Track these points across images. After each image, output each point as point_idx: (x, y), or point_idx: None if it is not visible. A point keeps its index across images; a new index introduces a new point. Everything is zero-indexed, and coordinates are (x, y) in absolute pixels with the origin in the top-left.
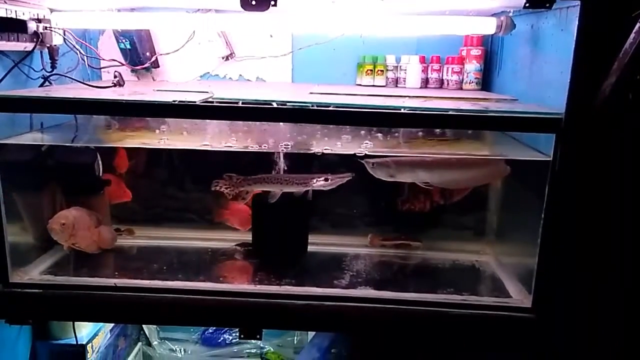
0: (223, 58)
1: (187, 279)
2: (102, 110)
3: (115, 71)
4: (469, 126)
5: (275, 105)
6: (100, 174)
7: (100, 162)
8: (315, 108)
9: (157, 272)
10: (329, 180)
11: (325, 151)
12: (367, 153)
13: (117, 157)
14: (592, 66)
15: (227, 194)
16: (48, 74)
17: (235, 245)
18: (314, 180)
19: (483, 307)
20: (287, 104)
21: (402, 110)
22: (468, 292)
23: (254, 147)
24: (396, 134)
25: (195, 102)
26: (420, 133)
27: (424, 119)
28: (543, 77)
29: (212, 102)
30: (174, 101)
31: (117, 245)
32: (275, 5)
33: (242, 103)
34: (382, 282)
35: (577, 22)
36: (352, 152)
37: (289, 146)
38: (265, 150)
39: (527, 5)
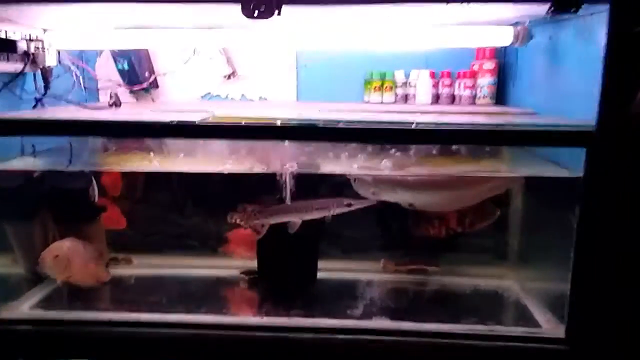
0: (225, 77)
1: (188, 311)
2: (94, 131)
3: (112, 92)
4: (492, 142)
5: (279, 123)
6: (96, 200)
7: (95, 187)
8: (324, 126)
9: (156, 304)
10: (352, 206)
11: (306, 171)
12: (349, 173)
13: (109, 179)
14: (624, 74)
15: (243, 226)
16: (40, 96)
17: (240, 273)
18: (335, 206)
19: (511, 339)
20: (293, 121)
21: (416, 127)
22: (493, 322)
23: (256, 169)
24: (410, 151)
25: (194, 121)
26: (434, 151)
27: (441, 136)
28: (564, 88)
29: (211, 121)
30: (172, 121)
31: (114, 275)
32: (279, 14)
33: (245, 122)
34: (399, 311)
35: (604, 29)
36: (341, 172)
37: (294, 167)
38: (268, 172)
39: (551, 9)
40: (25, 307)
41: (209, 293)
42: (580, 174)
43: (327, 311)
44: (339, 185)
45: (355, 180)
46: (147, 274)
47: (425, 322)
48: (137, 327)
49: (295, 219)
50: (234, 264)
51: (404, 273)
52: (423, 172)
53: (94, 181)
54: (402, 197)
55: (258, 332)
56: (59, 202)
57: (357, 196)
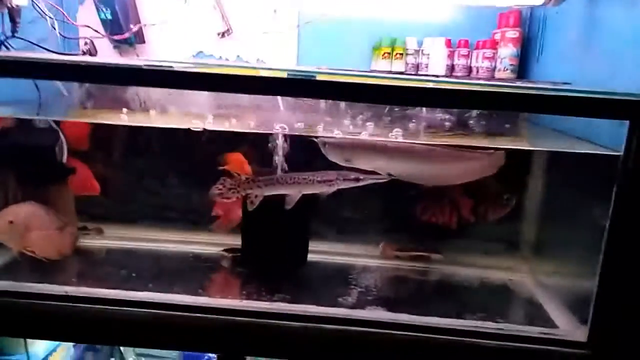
0: (219, 35)
1: (159, 290)
2: (56, 73)
3: (87, 38)
4: (524, 107)
5: (278, 74)
6: (64, 160)
7: (64, 145)
8: (327, 79)
9: (124, 280)
10: (360, 181)
11: (280, 132)
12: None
13: (74, 130)
14: None
15: (229, 197)
16: (6, 37)
17: (222, 250)
18: (341, 180)
19: (523, 339)
20: (292, 73)
21: (443, 86)
22: (503, 319)
23: (247, 129)
24: (414, 122)
25: (170, 66)
26: (448, 123)
27: (468, 97)
28: (603, 59)
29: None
30: (145, 65)
31: (81, 247)
32: None
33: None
34: (397, 302)
35: None
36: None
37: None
38: (259, 132)
39: None
40: None
41: (186, 271)
42: (619, 152)
43: (316, 298)
44: None
45: (325, 144)
46: (119, 246)
47: (426, 315)
48: (101, 305)
49: (294, 192)
50: (217, 240)
51: (404, 260)
52: (404, 139)
53: (63, 138)
54: (380, 165)
55: (235, 316)
56: (22, 160)
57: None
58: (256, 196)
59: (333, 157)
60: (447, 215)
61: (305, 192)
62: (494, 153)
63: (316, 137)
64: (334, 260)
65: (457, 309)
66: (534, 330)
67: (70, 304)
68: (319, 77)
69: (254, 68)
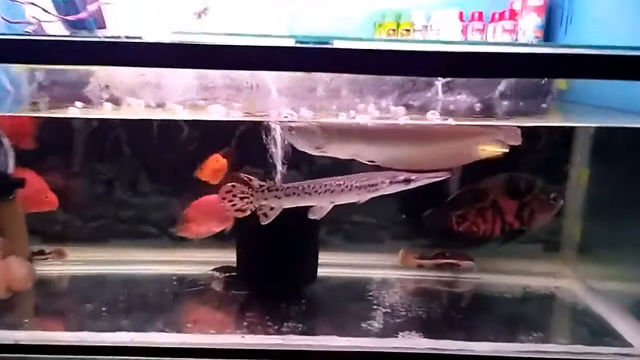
0: (195, 15)
1: (136, 328)
2: None
3: (33, 17)
4: (563, 72)
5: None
6: (10, 170)
7: (11, 154)
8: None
9: (92, 317)
10: (411, 182)
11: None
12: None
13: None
14: None
15: (241, 209)
16: None
17: (213, 270)
18: (387, 183)
19: None
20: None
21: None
22: (565, 339)
23: (240, 116)
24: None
25: (140, 37)
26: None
27: (509, 62)
28: None
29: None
30: (104, 36)
31: (38, 275)
32: None
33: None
34: (433, 323)
35: None
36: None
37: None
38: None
39: None
40: None
41: (169, 300)
42: None
43: (334, 325)
44: None
45: (291, 130)
46: (85, 272)
47: (473, 339)
48: (62, 354)
49: (324, 203)
50: (204, 257)
51: (429, 269)
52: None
53: (8, 144)
54: (359, 152)
55: (236, 358)
56: None
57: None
58: (272, 209)
59: (301, 145)
60: (490, 223)
61: (339, 202)
62: (508, 128)
63: (279, 122)
64: (346, 274)
65: (507, 328)
66: (608, 351)
67: (22, 356)
68: (338, 44)
69: (249, 36)
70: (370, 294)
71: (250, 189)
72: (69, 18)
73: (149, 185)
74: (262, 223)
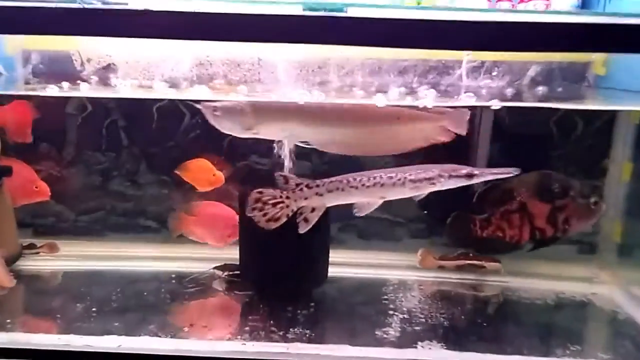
0: None
1: (131, 332)
2: None
3: None
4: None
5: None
6: None
7: None
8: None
9: (81, 318)
10: (474, 177)
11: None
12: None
13: (12, 115)
14: None
15: (274, 218)
16: None
17: (214, 268)
18: (446, 177)
19: None
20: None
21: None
22: (609, 354)
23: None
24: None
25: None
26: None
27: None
28: None
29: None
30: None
31: (28, 271)
32: None
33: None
34: (457, 333)
35: None
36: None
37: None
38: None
39: None
40: None
41: (166, 300)
42: None
43: (347, 332)
44: None
45: (215, 110)
46: (78, 268)
47: (504, 352)
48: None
49: (373, 199)
50: (205, 253)
51: (451, 270)
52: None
53: None
54: (295, 133)
55: None
56: None
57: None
58: (313, 210)
59: (227, 127)
60: (517, 228)
61: (390, 198)
62: (454, 111)
63: (198, 102)
64: (359, 274)
65: (540, 340)
66: None
67: None
68: (352, 12)
69: (249, 3)
70: (386, 297)
71: (284, 191)
72: None
73: (149, 175)
74: (302, 231)
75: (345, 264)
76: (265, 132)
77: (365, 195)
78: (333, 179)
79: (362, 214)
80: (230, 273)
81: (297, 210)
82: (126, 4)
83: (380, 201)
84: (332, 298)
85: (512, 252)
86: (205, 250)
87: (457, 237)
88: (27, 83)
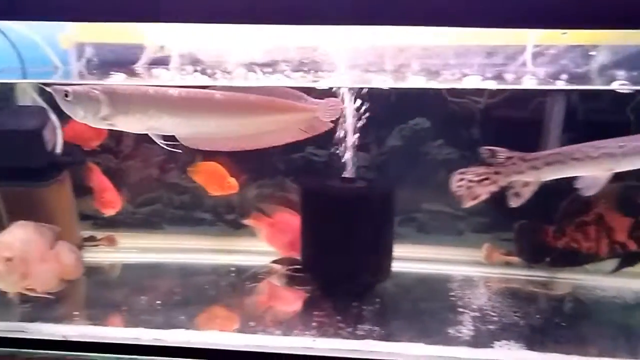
0: None
1: (195, 326)
2: None
3: None
4: None
5: None
6: (57, 148)
7: (57, 126)
8: None
9: (146, 312)
10: None
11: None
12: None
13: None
14: None
15: (476, 195)
16: None
17: (273, 262)
18: None
19: None
20: None
21: None
22: None
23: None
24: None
25: None
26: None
27: None
28: None
29: None
30: None
31: (88, 263)
32: None
33: None
34: (532, 332)
35: None
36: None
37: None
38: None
39: None
40: None
41: (228, 293)
42: None
43: (417, 329)
44: None
45: (66, 94)
46: (137, 261)
47: (586, 354)
48: (113, 353)
49: (599, 171)
50: (261, 246)
51: (519, 266)
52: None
53: (55, 119)
54: (156, 124)
55: None
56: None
57: None
58: (526, 184)
59: (81, 115)
60: (593, 241)
61: (620, 170)
62: (327, 101)
63: (47, 85)
64: (422, 270)
65: (624, 341)
66: None
67: (69, 354)
68: None
69: None
70: (453, 293)
71: (492, 166)
72: None
73: None
74: (513, 205)
75: (406, 258)
76: (123, 123)
77: (590, 168)
78: (551, 150)
79: (590, 192)
80: (290, 267)
81: (508, 184)
82: None
83: (608, 174)
84: (396, 294)
85: (588, 264)
86: (262, 243)
87: (527, 246)
88: (81, 76)
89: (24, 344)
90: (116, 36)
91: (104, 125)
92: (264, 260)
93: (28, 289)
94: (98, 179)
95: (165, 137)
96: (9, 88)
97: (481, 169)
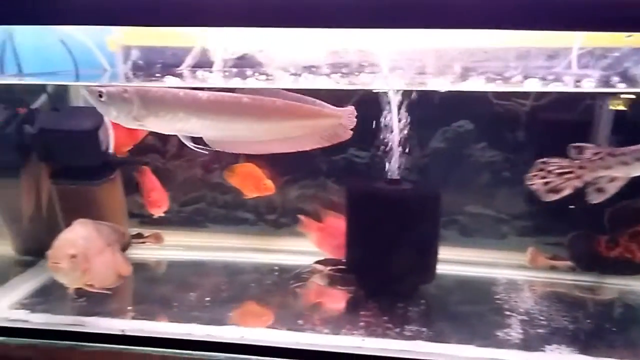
0: None
1: (242, 322)
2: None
3: None
4: None
5: None
6: (110, 149)
7: (109, 129)
8: None
9: (197, 308)
10: None
11: None
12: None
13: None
14: None
15: (556, 189)
16: None
17: (316, 262)
18: None
19: None
20: None
21: None
22: None
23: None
24: None
25: None
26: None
27: None
28: None
29: None
30: None
31: (135, 259)
32: None
33: None
34: (584, 336)
35: None
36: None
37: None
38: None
39: None
40: (4, 305)
41: (274, 292)
42: None
43: (465, 332)
44: None
45: (101, 95)
46: (182, 258)
47: None
48: (173, 347)
49: None
50: (301, 246)
51: (564, 271)
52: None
53: (107, 121)
54: (185, 127)
55: None
56: (57, 151)
57: None
58: (612, 180)
59: (115, 115)
60: None
61: None
62: (348, 108)
63: (87, 87)
64: (466, 273)
65: None
66: None
67: (130, 348)
68: None
69: None
70: (498, 296)
71: (575, 161)
72: None
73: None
74: (594, 201)
75: (448, 261)
76: (153, 124)
77: None
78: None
79: None
80: (333, 268)
81: (592, 179)
82: None
83: None
84: (441, 295)
85: None
86: (303, 243)
87: (579, 256)
88: (127, 78)
89: (82, 338)
90: (162, 39)
91: (135, 125)
92: (304, 260)
93: (87, 285)
94: (148, 179)
95: (194, 139)
96: (64, 90)
97: (565, 161)
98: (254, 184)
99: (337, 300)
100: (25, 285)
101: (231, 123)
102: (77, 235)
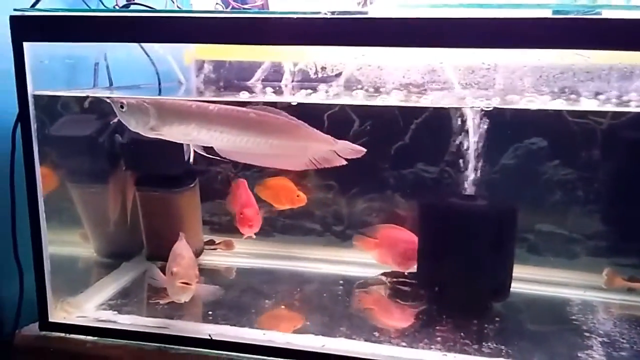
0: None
1: (320, 332)
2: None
3: None
4: None
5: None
6: (191, 160)
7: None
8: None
9: (275, 316)
10: None
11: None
12: None
13: None
14: None
15: None
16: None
17: (382, 274)
18: None
19: None
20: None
21: None
22: None
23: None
24: None
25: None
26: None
27: None
28: None
29: None
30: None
31: (207, 264)
32: None
33: None
34: None
35: None
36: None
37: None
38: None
39: None
40: (91, 306)
41: (344, 303)
42: None
43: (542, 351)
44: None
45: (122, 105)
46: (250, 266)
47: None
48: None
49: None
50: (367, 258)
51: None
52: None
53: None
54: (197, 136)
55: None
56: (143, 160)
57: None
58: None
59: (132, 125)
60: None
61: None
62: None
63: (108, 98)
64: (538, 292)
65: None
66: None
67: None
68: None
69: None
70: (574, 317)
71: None
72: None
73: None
74: None
75: (519, 279)
76: (168, 133)
77: None
78: None
79: None
80: (396, 280)
81: None
82: (366, 12)
83: None
84: (514, 314)
85: None
86: (368, 255)
87: None
88: (198, 91)
89: (171, 340)
90: (233, 54)
91: (152, 134)
92: (369, 272)
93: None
94: (244, 193)
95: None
96: None
97: None
98: (287, 196)
99: (408, 314)
100: (109, 287)
101: (236, 135)
102: (191, 252)
